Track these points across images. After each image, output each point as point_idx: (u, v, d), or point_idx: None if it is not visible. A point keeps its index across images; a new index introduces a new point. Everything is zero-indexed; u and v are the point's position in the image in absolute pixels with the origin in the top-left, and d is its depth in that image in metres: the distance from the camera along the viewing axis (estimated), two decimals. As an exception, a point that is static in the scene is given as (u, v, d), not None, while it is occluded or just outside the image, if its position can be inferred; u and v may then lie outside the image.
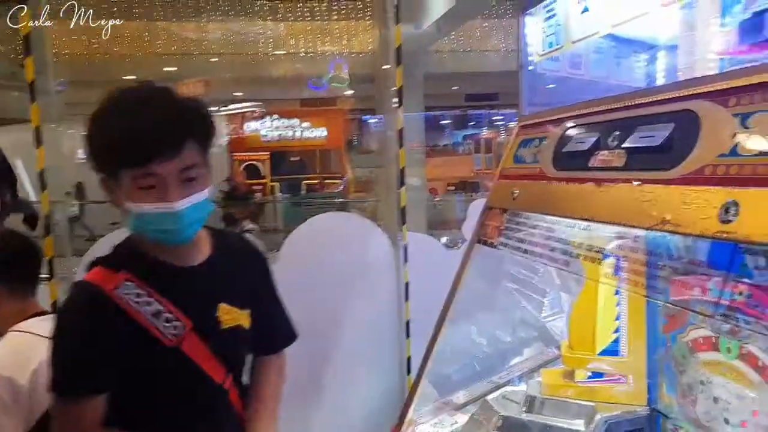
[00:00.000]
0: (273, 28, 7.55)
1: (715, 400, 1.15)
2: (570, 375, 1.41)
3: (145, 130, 1.05)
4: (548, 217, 1.11)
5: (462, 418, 1.55)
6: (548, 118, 1.20)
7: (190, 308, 1.16)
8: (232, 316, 1.23)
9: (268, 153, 12.19)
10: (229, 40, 7.49)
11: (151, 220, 1.09)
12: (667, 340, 1.28)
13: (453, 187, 10.90)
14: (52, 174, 2.17)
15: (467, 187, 10.69)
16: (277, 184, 11.76)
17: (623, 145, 0.92)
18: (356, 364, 2.46)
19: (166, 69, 8.59)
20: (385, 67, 2.48)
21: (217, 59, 8.02)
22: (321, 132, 12.12)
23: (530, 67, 1.30)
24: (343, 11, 6.94)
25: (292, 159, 12.85)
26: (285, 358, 1.46)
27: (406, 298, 2.40)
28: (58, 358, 1.12)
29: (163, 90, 1.15)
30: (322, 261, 2.39)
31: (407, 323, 2.43)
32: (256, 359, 1.39)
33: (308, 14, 7.00)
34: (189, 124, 1.12)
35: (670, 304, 0.77)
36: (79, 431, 1.14)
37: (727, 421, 1.12)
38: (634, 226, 0.84)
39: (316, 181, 11.72)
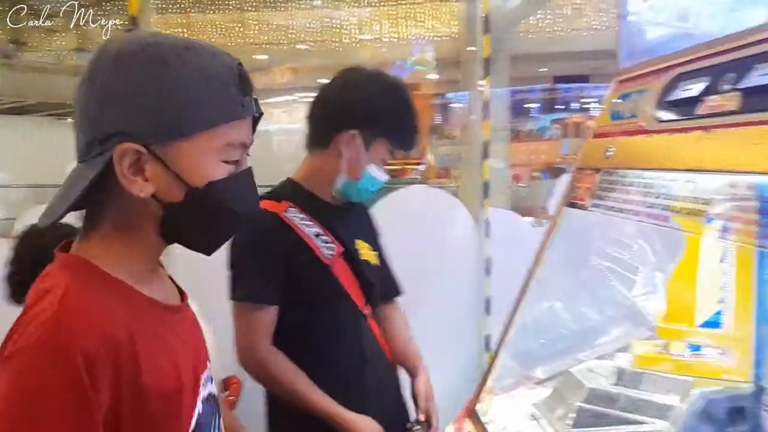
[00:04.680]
0: (358, 14, 7.64)
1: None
2: (665, 348, 1.32)
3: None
4: (646, 173, 1.03)
5: (544, 392, 1.49)
6: (650, 69, 1.12)
7: (340, 237, 1.37)
8: (366, 251, 1.44)
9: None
10: (315, 28, 7.67)
11: (374, 183, 1.35)
12: (780, 314, 1.16)
13: (538, 173, 10.59)
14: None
15: (553, 172, 10.35)
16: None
17: (738, 87, 0.84)
18: (435, 340, 2.43)
19: (256, 57, 8.91)
20: (470, 48, 2.44)
21: (304, 46, 8.25)
22: (403, 117, 12.10)
23: (630, 17, 1.22)
24: (429, -7, 6.89)
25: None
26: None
27: (487, 274, 2.35)
28: (243, 270, 1.30)
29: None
30: (402, 234, 2.38)
31: (488, 299, 2.38)
32: (382, 307, 1.52)
33: (393, -2, 7.02)
34: None
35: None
36: (256, 338, 1.29)
37: None
38: (747, 172, 0.77)
39: (397, 167, 11.74)
